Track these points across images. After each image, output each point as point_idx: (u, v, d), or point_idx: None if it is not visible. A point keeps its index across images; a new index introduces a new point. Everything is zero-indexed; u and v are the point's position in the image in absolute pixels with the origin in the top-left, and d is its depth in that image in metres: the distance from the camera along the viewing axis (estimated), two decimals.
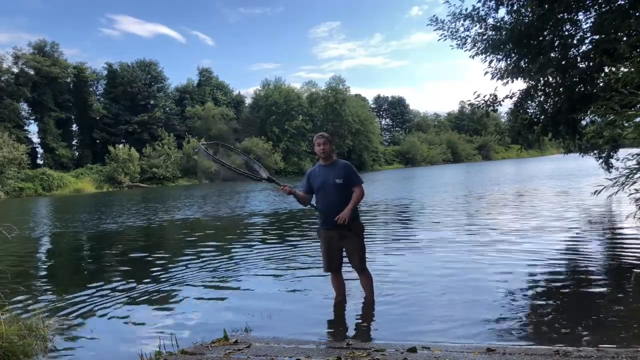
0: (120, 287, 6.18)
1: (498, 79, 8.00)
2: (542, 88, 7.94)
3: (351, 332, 4.20)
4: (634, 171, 4.64)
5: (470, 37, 8.10)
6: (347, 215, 4.50)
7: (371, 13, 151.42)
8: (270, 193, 25.92)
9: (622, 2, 6.91)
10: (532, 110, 8.36)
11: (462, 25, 8.09)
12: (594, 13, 7.40)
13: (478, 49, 8.01)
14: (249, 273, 6.71)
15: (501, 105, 8.34)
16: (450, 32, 8.21)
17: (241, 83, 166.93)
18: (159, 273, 6.99)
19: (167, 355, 3.52)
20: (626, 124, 4.98)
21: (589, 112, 7.29)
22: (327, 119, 73.71)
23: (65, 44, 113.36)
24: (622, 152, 6.37)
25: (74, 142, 62.09)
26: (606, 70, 6.72)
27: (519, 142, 8.88)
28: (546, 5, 7.03)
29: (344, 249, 4.75)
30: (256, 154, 61.90)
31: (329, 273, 4.92)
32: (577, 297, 4.75)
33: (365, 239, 4.83)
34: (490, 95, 8.23)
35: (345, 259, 4.80)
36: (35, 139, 56.67)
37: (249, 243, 9.53)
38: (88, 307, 5.34)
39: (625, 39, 6.37)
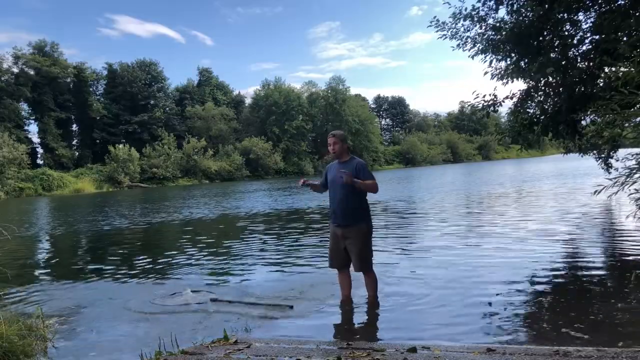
0: (120, 287, 6.18)
1: (498, 79, 8.00)
2: (542, 88, 7.94)
3: (351, 332, 4.20)
4: (634, 171, 4.64)
5: (470, 37, 8.11)
6: (350, 179, 4.42)
7: (370, 13, 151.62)
8: (272, 193, 25.98)
9: (622, 2, 6.91)
10: (532, 111, 8.36)
11: (463, 25, 8.09)
12: (593, 13, 7.40)
13: (478, 49, 8.02)
14: (249, 272, 6.71)
15: (501, 105, 8.34)
16: (451, 33, 8.21)
17: (241, 83, 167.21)
18: (158, 272, 6.99)
19: (167, 355, 3.51)
20: (626, 124, 4.97)
21: (589, 112, 7.29)
22: (327, 119, 73.71)
23: (64, 44, 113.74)
24: (622, 152, 6.37)
25: (74, 142, 62.12)
26: (606, 70, 6.72)
27: (519, 142, 8.88)
28: (546, 5, 7.03)
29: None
30: (256, 154, 61.97)
31: (331, 271, 4.93)
32: (577, 297, 4.75)
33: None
34: (490, 95, 8.23)
35: None
36: (35, 139, 56.79)
37: (249, 242, 9.52)
38: (88, 306, 5.34)
39: (625, 39, 6.36)
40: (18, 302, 5.61)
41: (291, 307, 4.75)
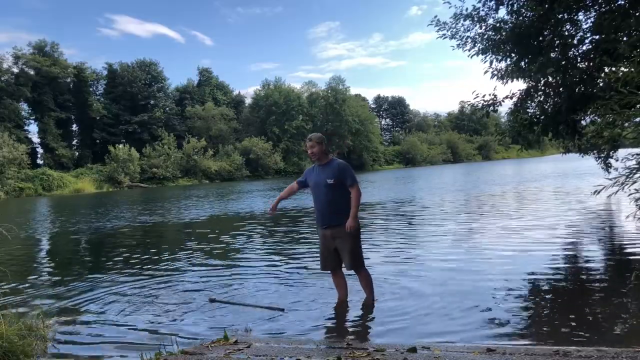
0: (120, 287, 6.18)
1: (498, 79, 8.01)
2: (542, 88, 7.94)
3: (351, 332, 4.20)
4: (634, 171, 4.64)
5: (470, 37, 8.11)
6: (352, 224, 4.56)
7: (370, 13, 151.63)
8: (270, 194, 26.03)
9: (622, 2, 6.91)
10: (532, 111, 8.37)
11: (463, 25, 8.10)
12: (594, 13, 7.40)
13: (478, 49, 8.02)
14: (249, 273, 6.71)
15: (501, 105, 8.35)
16: (451, 33, 8.22)
17: (241, 83, 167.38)
18: (158, 273, 6.99)
19: (167, 355, 3.51)
20: (626, 124, 4.97)
21: (589, 112, 7.29)
22: (327, 119, 73.68)
23: (64, 44, 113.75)
24: (622, 152, 6.36)
25: (74, 142, 62.10)
26: (606, 70, 6.72)
27: (519, 142, 8.88)
28: (546, 5, 7.03)
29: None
30: (256, 154, 61.96)
31: (327, 272, 4.96)
32: (577, 297, 4.75)
33: (362, 240, 4.83)
34: (490, 95, 8.23)
35: None
36: (35, 139, 56.77)
37: (249, 243, 9.53)
38: (88, 307, 5.34)
39: (625, 39, 6.37)
40: (18, 302, 5.60)
41: (282, 309, 4.74)
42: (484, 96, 8.29)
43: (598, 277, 5.53)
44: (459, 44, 8.19)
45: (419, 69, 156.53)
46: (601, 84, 6.77)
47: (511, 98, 8.31)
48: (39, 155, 56.16)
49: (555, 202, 13.40)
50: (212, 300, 5.20)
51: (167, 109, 67.07)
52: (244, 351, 3.49)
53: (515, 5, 7.67)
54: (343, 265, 4.82)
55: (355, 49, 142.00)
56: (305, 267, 6.75)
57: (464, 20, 8.02)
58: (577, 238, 7.98)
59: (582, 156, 9.96)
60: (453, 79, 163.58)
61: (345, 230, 4.60)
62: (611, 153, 8.97)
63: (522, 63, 7.78)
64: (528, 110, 8.39)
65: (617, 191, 4.91)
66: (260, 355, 3.38)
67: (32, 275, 7.46)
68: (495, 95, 8.23)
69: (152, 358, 3.50)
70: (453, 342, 3.66)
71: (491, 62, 8.04)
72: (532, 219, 10.18)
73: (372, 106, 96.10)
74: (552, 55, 7.40)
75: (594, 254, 6.81)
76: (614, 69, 6.27)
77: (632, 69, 4.66)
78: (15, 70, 54.75)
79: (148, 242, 11.23)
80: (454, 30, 8.18)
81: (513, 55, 7.89)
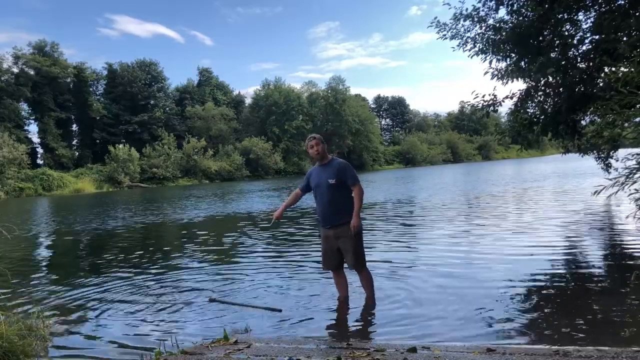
0: (120, 287, 6.18)
1: (498, 79, 8.01)
2: (542, 88, 7.94)
3: (351, 332, 4.20)
4: (634, 171, 4.64)
5: (470, 37, 8.12)
6: (356, 222, 4.56)
7: (370, 13, 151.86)
8: (270, 194, 26.04)
9: (622, 2, 6.91)
10: (532, 111, 8.37)
11: (463, 26, 8.10)
12: (594, 13, 7.41)
13: (478, 49, 8.02)
14: (249, 272, 6.70)
15: (501, 105, 8.35)
16: (451, 33, 8.22)
17: (241, 83, 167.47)
18: (158, 273, 6.99)
19: (167, 355, 3.51)
20: (626, 124, 4.97)
21: (589, 112, 7.29)
22: (327, 119, 73.70)
23: (64, 44, 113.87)
24: (622, 152, 6.36)
25: (74, 142, 62.10)
26: (606, 70, 6.72)
27: (519, 142, 8.88)
28: (546, 5, 7.04)
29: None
30: (256, 154, 61.95)
31: (329, 272, 4.97)
32: (578, 297, 4.75)
33: (364, 239, 4.84)
34: (490, 95, 8.23)
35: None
36: (35, 139, 56.77)
37: (248, 243, 9.52)
38: (88, 307, 5.34)
39: (625, 39, 6.37)
40: (18, 302, 5.60)
41: (280, 310, 4.74)
42: (483, 96, 8.29)
43: (598, 277, 5.53)
44: (459, 44, 8.20)
45: (419, 69, 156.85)
46: (601, 84, 6.78)
47: (511, 98, 8.31)
48: (39, 155, 56.16)
49: (555, 202, 13.39)
50: (212, 300, 5.20)
51: (167, 109, 67.06)
52: (244, 351, 3.49)
53: (515, 5, 7.67)
54: (345, 265, 4.83)
55: (355, 49, 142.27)
56: (305, 267, 6.75)
57: (464, 20, 8.02)
58: (577, 238, 7.98)
59: (582, 156, 9.96)
60: (453, 79, 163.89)
61: (348, 230, 4.60)
62: (611, 153, 8.97)
63: (522, 63, 7.78)
64: (528, 110, 8.38)
65: (617, 191, 4.90)
66: (260, 355, 3.38)
67: (32, 275, 7.46)
68: (495, 96, 8.23)
69: (152, 358, 3.50)
70: (453, 342, 3.66)
71: (491, 62, 8.05)
72: (532, 219, 10.18)
73: (372, 106, 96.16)
74: (552, 55, 7.40)
75: (594, 254, 6.81)
76: (614, 69, 6.27)
77: (632, 69, 4.66)
78: (15, 70, 54.81)
79: (148, 242, 11.22)
80: (454, 31, 8.18)
81: (513, 55, 7.89)
